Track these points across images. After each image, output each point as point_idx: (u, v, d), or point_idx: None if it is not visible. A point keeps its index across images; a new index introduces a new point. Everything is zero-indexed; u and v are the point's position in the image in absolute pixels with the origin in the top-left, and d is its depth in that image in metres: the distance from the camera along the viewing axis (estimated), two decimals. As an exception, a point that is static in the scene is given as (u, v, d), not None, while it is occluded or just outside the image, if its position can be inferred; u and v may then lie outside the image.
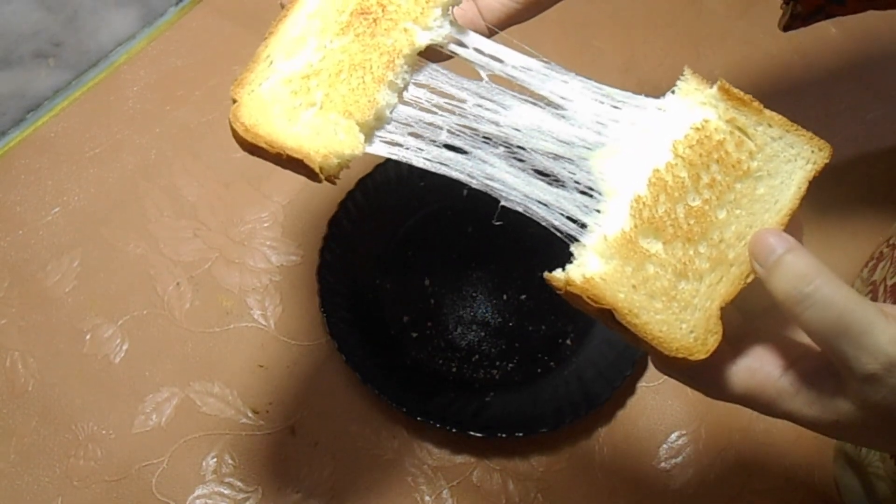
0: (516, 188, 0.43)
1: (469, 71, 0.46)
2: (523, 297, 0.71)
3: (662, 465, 0.65)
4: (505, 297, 0.71)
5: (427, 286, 0.71)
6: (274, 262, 0.73)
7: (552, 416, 0.64)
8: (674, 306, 0.40)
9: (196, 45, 0.86)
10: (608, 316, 0.40)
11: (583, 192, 0.43)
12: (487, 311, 0.70)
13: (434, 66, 0.46)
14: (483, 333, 0.70)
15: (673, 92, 0.45)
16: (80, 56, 0.83)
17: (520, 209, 0.43)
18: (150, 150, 0.79)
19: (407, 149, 0.44)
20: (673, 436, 0.66)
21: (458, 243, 0.73)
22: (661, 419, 0.66)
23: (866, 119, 0.84)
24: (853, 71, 0.87)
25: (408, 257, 0.73)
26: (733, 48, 0.88)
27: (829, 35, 0.89)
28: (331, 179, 0.42)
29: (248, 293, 0.71)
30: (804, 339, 0.40)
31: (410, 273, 0.72)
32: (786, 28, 0.65)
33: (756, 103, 0.43)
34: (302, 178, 0.74)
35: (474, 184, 0.43)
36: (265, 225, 0.75)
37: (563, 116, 0.45)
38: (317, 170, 0.41)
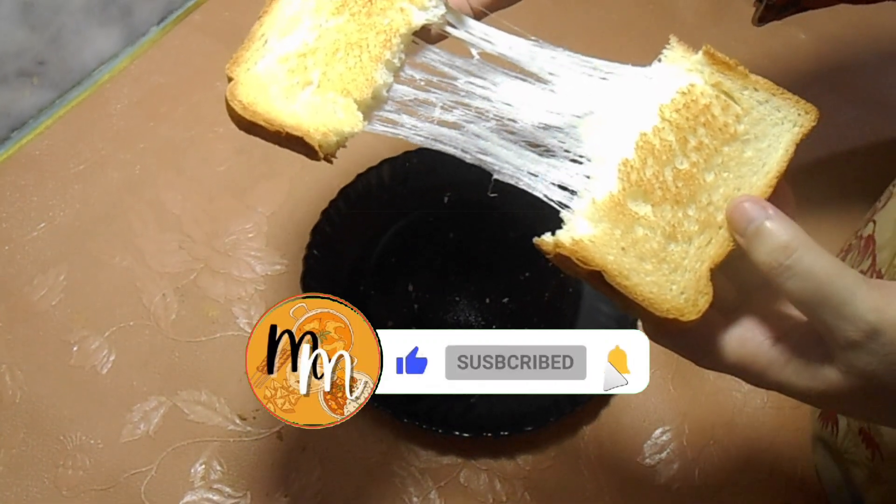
0: (508, 161, 0.44)
1: (460, 50, 0.47)
2: (506, 300, 0.72)
3: (647, 461, 0.65)
4: (488, 300, 0.72)
5: (411, 292, 0.72)
6: (258, 272, 0.73)
7: (537, 414, 0.64)
8: (664, 268, 0.41)
9: (178, 62, 0.87)
10: (598, 278, 0.40)
11: (573, 161, 0.44)
12: (471, 314, 0.71)
13: (428, 45, 0.47)
14: (467, 337, 0.70)
15: (659, 60, 0.46)
16: (64, 75, 0.84)
17: (512, 181, 0.44)
18: (135, 165, 0.79)
19: (403, 126, 0.45)
20: (657, 432, 0.67)
21: (441, 249, 0.74)
22: (644, 416, 0.67)
23: (838, 122, 0.86)
24: (824, 76, 0.89)
25: (391, 264, 0.73)
26: (706, 55, 0.90)
27: (799, 41, 0.91)
28: (328, 158, 0.43)
29: (233, 302, 0.72)
30: (796, 311, 0.41)
31: (394, 279, 0.73)
32: (760, 21, 0.66)
33: (741, 67, 0.44)
34: (285, 189, 0.78)
35: (468, 158, 0.44)
36: (249, 236, 0.75)
37: (553, 91, 0.46)
38: (316, 147, 0.42)
